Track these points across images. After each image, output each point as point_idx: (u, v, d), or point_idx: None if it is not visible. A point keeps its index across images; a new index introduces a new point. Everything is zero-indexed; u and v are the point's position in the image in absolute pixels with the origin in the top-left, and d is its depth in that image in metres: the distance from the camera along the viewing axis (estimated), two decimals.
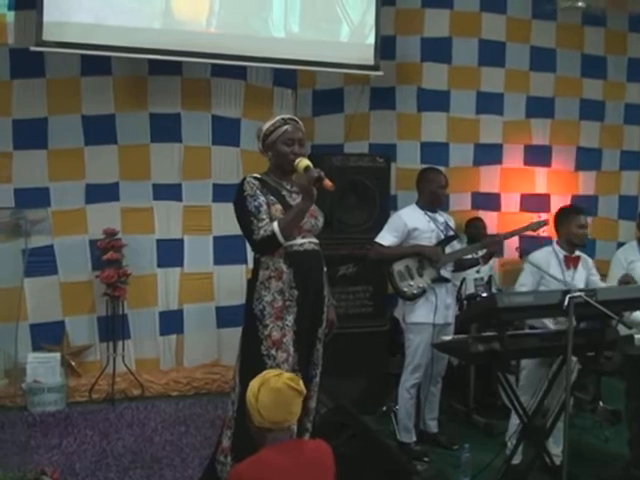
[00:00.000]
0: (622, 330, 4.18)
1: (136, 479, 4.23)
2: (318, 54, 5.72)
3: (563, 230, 4.71)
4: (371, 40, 5.83)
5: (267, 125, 3.68)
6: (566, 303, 3.67)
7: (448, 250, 4.88)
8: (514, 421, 4.41)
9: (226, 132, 5.84)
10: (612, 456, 4.80)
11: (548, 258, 4.65)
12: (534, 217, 5.87)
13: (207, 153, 5.83)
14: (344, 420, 4.02)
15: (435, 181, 4.89)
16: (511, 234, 5.10)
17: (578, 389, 4.74)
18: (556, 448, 4.32)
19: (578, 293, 3.73)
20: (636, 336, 4.21)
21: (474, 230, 5.91)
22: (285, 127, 3.64)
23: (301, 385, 2.70)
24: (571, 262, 4.66)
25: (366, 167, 5.61)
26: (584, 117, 6.91)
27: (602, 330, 4.04)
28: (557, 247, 4.70)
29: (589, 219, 5.12)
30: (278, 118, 3.71)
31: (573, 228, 4.64)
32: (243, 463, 2.58)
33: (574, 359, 4.11)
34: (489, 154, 6.59)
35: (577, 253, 4.71)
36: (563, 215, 4.78)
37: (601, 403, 5.68)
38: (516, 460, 4.36)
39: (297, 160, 3.53)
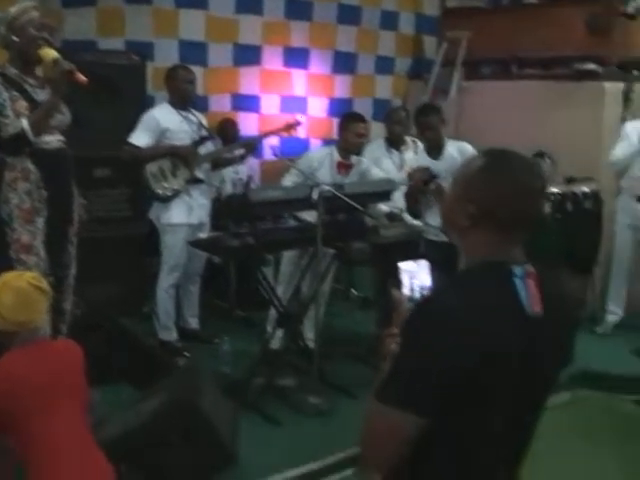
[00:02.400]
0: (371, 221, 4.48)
1: None
2: None
3: (342, 136, 4.82)
4: None
5: (16, 8, 3.44)
6: (315, 196, 3.86)
7: (203, 151, 4.89)
8: (273, 311, 4.62)
9: None
10: (362, 336, 5.20)
11: (323, 159, 4.78)
12: (292, 119, 5.99)
13: None
14: (100, 322, 3.99)
15: (183, 78, 4.83)
16: (266, 135, 5.20)
17: (332, 279, 5.03)
18: (310, 333, 4.58)
19: (326, 187, 3.92)
20: (381, 229, 4.53)
21: (227, 131, 5.93)
22: (36, 13, 3.44)
23: (44, 283, 2.63)
24: (343, 168, 4.82)
25: (121, 65, 5.38)
26: (341, 21, 7.06)
27: (350, 222, 4.30)
28: (335, 151, 4.83)
29: None
30: (28, 3, 3.48)
31: (351, 136, 4.76)
32: None
33: (328, 250, 4.37)
34: (248, 55, 6.56)
35: (352, 160, 4.85)
36: (344, 121, 4.88)
37: (353, 290, 6.10)
38: (276, 346, 4.61)
39: (44, 49, 3.34)
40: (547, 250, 5.85)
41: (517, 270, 1.61)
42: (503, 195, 1.61)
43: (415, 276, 1.82)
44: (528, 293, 1.60)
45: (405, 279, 1.81)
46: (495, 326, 1.54)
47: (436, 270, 1.89)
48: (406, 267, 1.83)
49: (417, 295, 1.81)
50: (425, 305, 1.63)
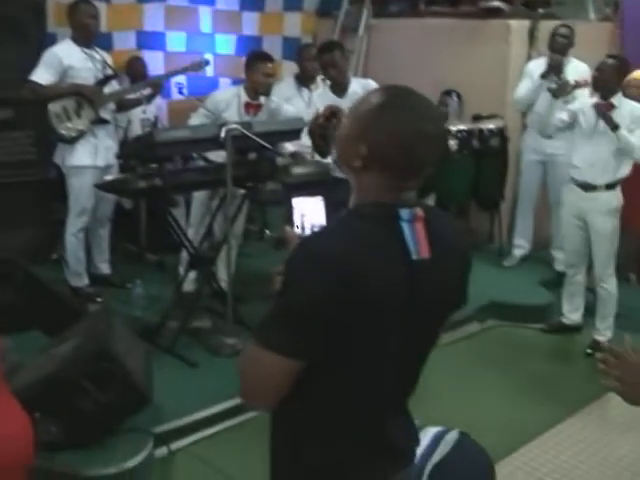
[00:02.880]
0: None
1: None
2: None
3: (249, 76, 4.69)
4: None
5: None
6: (223, 135, 3.79)
7: (108, 90, 4.73)
8: (185, 254, 4.58)
9: None
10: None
11: (230, 100, 4.66)
12: (199, 57, 5.84)
13: None
14: (9, 270, 3.87)
15: (85, 12, 4.64)
16: (172, 74, 5.07)
17: (245, 219, 5.00)
18: (224, 274, 4.56)
19: (234, 125, 3.86)
20: (292, 168, 4.51)
21: (136, 70, 5.75)
22: None
23: None
24: (251, 108, 4.71)
25: (20, 1, 5.13)
26: None
27: (260, 161, 4.26)
28: (243, 91, 4.71)
29: None
30: None
31: (257, 76, 4.63)
32: None
33: (238, 191, 4.34)
34: None
35: (261, 100, 4.74)
36: (250, 61, 4.75)
37: (267, 231, 6.10)
38: (189, 288, 4.58)
39: None
40: (454, 187, 6.00)
41: (404, 213, 1.55)
42: (396, 137, 1.52)
43: (308, 213, 1.77)
44: (415, 237, 1.55)
45: (297, 216, 1.75)
46: (375, 269, 1.50)
47: (344, 208, 1.84)
48: (299, 204, 1.77)
49: (307, 233, 1.75)
50: (303, 245, 1.55)
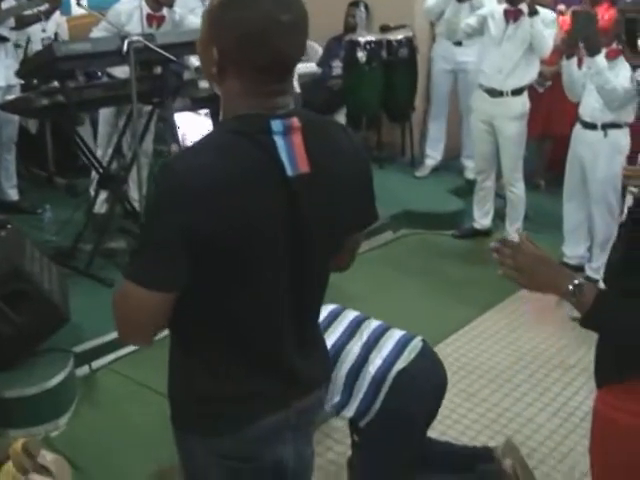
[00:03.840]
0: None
1: None
2: None
3: None
4: None
5: None
6: (125, 48, 3.66)
7: (5, 5, 4.49)
8: (95, 175, 4.47)
9: None
10: None
11: (131, 12, 4.47)
12: None
13: None
14: None
15: None
16: None
17: (154, 137, 4.89)
18: (135, 193, 4.47)
19: (136, 37, 3.74)
20: (201, 82, 4.41)
21: None
22: None
23: None
24: (154, 20, 4.52)
25: None
26: None
27: (166, 76, 4.14)
28: (144, 2, 4.51)
29: None
30: None
31: None
32: None
33: (144, 107, 4.23)
34: None
35: (164, 12, 4.54)
36: None
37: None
38: (101, 210, 4.50)
39: None
40: (364, 100, 6.01)
41: (276, 125, 1.41)
42: (243, 29, 1.36)
43: (191, 129, 1.69)
44: (291, 151, 1.41)
45: (178, 131, 1.67)
46: (245, 190, 1.38)
47: None
48: (181, 119, 1.69)
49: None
50: (166, 167, 1.41)
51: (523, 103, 4.73)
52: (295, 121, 1.43)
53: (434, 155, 6.13)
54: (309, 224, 1.47)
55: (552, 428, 3.16)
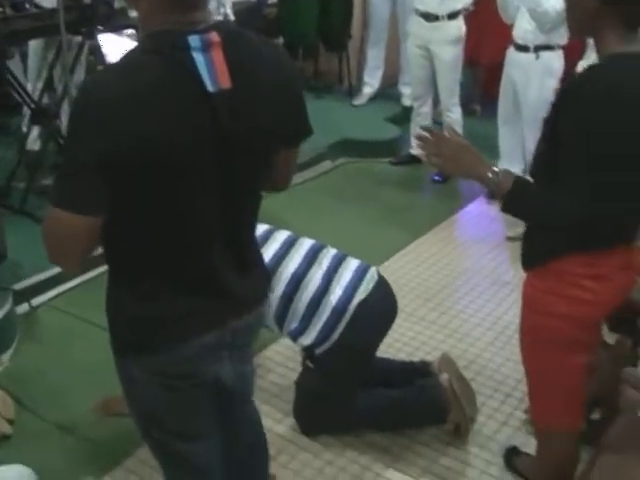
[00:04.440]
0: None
1: None
2: None
3: None
4: None
5: None
6: None
7: None
8: (26, 110, 4.36)
9: None
10: None
11: None
12: None
13: None
14: None
15: None
16: None
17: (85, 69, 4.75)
18: None
19: None
20: None
21: None
22: None
23: None
24: None
25: None
26: None
27: (95, 4, 4.01)
28: None
29: None
30: None
31: None
32: None
33: (74, 38, 4.11)
34: None
35: None
36: None
37: None
38: (35, 147, 4.41)
39: None
40: (300, 29, 5.94)
41: (194, 40, 1.37)
42: None
43: (117, 51, 1.65)
44: (210, 67, 1.38)
45: (106, 53, 1.64)
46: (153, 105, 1.35)
47: None
48: (105, 38, 1.66)
49: None
50: (83, 90, 1.39)
51: (459, 27, 4.73)
52: (214, 36, 1.40)
53: (372, 83, 6.12)
54: (234, 139, 1.46)
55: (488, 341, 3.29)
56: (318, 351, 2.55)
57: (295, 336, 2.57)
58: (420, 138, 1.80)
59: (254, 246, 1.75)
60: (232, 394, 1.81)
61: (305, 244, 2.64)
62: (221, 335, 1.65)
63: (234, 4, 5.02)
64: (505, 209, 1.78)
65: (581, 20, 1.76)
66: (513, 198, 1.74)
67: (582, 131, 1.66)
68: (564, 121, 1.71)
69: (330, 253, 2.64)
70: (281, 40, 6.05)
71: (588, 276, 1.81)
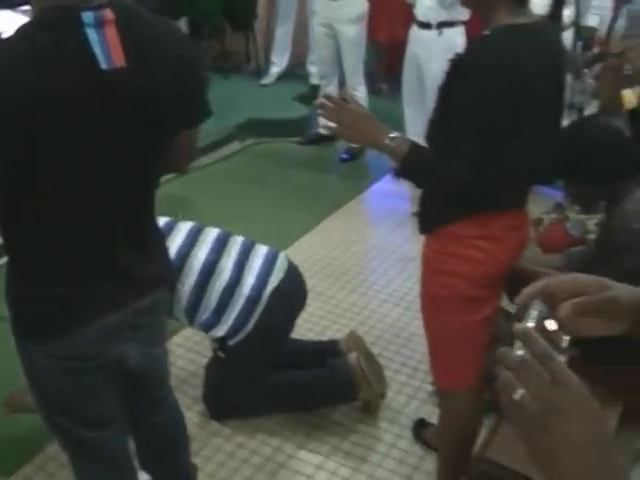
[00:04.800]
0: None
1: None
2: None
3: None
4: None
5: None
6: None
7: None
8: None
9: None
10: None
11: None
12: None
13: None
14: None
15: None
16: None
17: None
18: None
19: None
20: None
21: None
22: None
23: None
24: None
25: None
26: None
27: None
28: None
29: None
30: None
31: None
32: None
33: None
34: None
35: None
36: None
37: None
38: None
39: None
40: (206, 9, 5.83)
41: (87, 17, 1.35)
42: None
43: (9, 25, 1.62)
44: (103, 44, 1.35)
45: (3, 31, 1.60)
46: (54, 85, 1.33)
47: None
48: (1, 15, 1.63)
49: None
50: None
51: (361, 4, 4.73)
52: (108, 13, 1.37)
53: (279, 62, 6.08)
54: (127, 118, 1.43)
55: (395, 316, 3.33)
56: (231, 342, 2.53)
57: (208, 328, 2.54)
58: (322, 106, 1.81)
59: (154, 227, 1.73)
60: (143, 376, 1.81)
61: (211, 233, 2.61)
62: (124, 316, 1.64)
63: None
64: (400, 173, 1.83)
65: None
66: (408, 163, 1.77)
67: (472, 100, 1.70)
68: (456, 89, 1.75)
69: (238, 241, 2.62)
70: (185, 20, 5.93)
71: (480, 237, 1.87)
